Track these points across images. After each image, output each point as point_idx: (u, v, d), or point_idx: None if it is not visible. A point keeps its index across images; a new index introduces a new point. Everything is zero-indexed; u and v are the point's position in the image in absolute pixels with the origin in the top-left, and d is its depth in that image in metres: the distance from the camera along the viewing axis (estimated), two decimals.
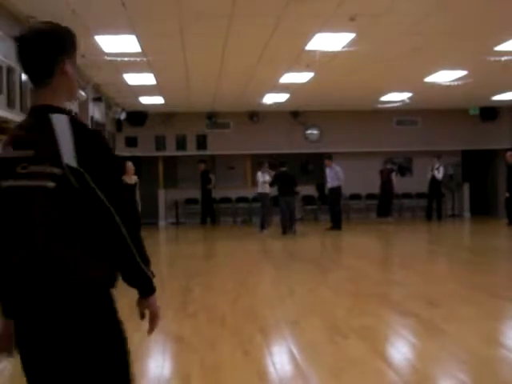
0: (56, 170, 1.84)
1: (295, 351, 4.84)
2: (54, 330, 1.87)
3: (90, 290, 1.89)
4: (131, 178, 11.03)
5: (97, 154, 1.90)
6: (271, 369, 4.41)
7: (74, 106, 11.51)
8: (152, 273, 1.99)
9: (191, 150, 18.01)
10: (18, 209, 1.91)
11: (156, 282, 2.00)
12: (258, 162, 16.25)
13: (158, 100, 15.24)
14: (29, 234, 1.88)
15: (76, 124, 1.92)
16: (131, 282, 1.98)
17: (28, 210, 1.88)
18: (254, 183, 17.73)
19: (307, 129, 18.29)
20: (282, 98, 15.11)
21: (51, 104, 1.97)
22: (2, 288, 1.95)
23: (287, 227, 14.27)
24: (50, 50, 1.97)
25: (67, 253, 1.86)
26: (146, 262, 1.95)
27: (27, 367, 1.97)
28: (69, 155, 1.84)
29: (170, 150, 18.04)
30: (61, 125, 1.89)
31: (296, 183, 14.56)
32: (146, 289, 1.99)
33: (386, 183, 16.62)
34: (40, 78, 1.99)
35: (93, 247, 1.88)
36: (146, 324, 2.08)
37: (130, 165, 11.23)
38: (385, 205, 16.80)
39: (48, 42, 1.98)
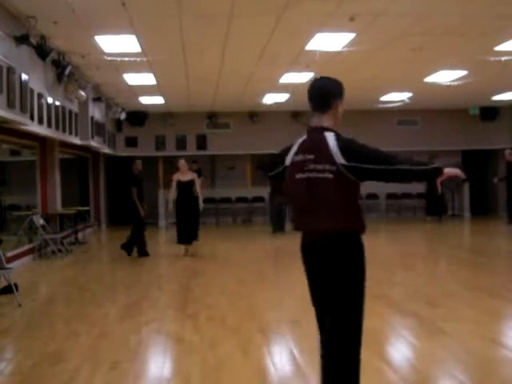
0: (333, 168, 3.02)
1: (295, 351, 4.84)
2: (332, 259, 3.07)
3: (352, 236, 3.09)
4: (184, 176, 10.71)
5: (353, 150, 3.07)
6: (271, 369, 4.41)
7: (74, 106, 11.52)
8: (430, 166, 3.10)
9: (191, 150, 18.00)
10: (306, 190, 3.12)
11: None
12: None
13: (158, 100, 15.23)
14: (317, 203, 3.09)
15: (339, 137, 3.11)
16: (428, 181, 3.32)
17: (315, 191, 3.08)
18: (254, 183, 17.72)
19: None
20: (282, 97, 15.11)
21: (326, 126, 3.17)
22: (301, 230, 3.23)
23: (277, 225, 14.81)
24: (330, 94, 3.23)
25: (341, 213, 3.06)
26: (421, 164, 3.09)
27: (313, 286, 3.23)
28: (338, 157, 3.02)
29: (170, 150, 18.03)
30: (331, 139, 3.09)
31: None
32: (434, 178, 3.09)
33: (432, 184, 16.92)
34: (322, 109, 3.20)
35: (353, 210, 3.09)
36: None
37: (182, 163, 10.88)
38: (434, 204, 17.14)
39: (330, 89, 3.25)
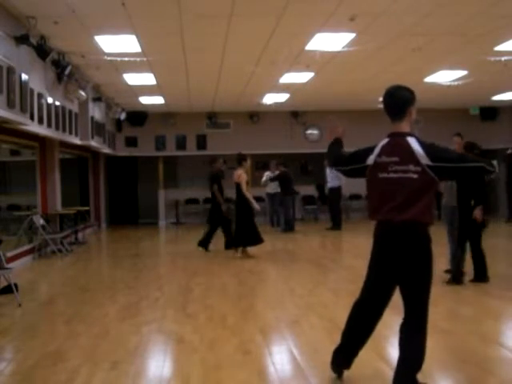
0: (418, 168, 3.45)
1: (295, 351, 4.84)
2: (408, 245, 3.58)
3: (424, 227, 3.59)
4: (241, 177, 10.46)
5: (437, 152, 3.50)
6: (271, 369, 4.41)
7: (74, 106, 11.53)
8: (485, 165, 3.54)
9: (191, 150, 18.01)
10: (389, 188, 3.54)
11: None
12: (263, 162, 16.48)
13: (158, 100, 15.23)
14: (399, 198, 3.50)
15: (421, 141, 3.52)
16: (485, 174, 4.02)
17: (398, 188, 3.50)
18: (254, 183, 17.71)
19: (307, 129, 18.28)
20: (282, 97, 15.11)
21: (404, 131, 3.59)
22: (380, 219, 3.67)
23: (289, 225, 14.98)
24: (406, 102, 3.61)
25: (420, 207, 3.49)
26: (477, 161, 3.57)
27: (381, 271, 3.73)
28: (423, 159, 3.44)
29: (170, 150, 18.04)
30: (413, 143, 3.50)
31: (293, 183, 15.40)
32: (488, 172, 3.59)
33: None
34: (399, 116, 3.60)
35: (429, 205, 3.55)
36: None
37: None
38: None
39: (405, 98, 3.62)
